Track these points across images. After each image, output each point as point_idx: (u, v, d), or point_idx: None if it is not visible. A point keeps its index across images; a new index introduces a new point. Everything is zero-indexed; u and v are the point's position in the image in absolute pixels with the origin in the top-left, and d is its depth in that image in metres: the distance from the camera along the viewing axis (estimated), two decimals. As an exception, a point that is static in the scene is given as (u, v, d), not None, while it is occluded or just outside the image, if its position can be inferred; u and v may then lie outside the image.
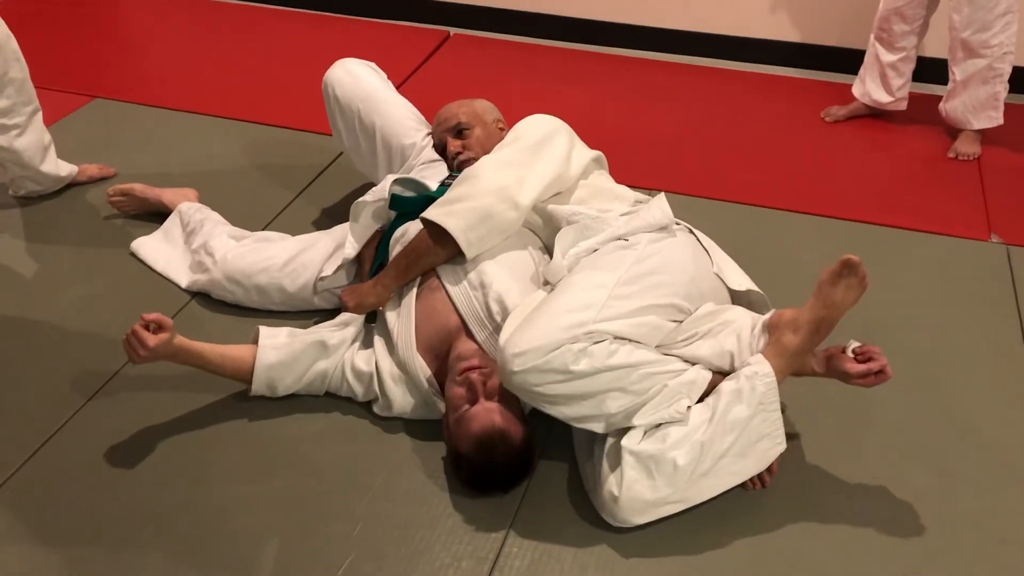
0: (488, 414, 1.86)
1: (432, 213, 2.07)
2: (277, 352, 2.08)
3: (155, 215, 2.73)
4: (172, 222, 2.64)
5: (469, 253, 2.06)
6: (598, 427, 1.84)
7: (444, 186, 2.25)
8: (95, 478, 1.97)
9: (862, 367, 1.82)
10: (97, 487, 1.95)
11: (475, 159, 2.26)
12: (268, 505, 1.92)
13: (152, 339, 1.88)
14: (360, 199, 2.27)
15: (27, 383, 2.20)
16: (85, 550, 1.82)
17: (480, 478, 1.90)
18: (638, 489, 1.78)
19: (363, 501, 1.93)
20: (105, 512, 1.90)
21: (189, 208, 2.62)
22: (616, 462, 1.81)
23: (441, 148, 2.43)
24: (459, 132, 2.38)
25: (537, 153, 2.15)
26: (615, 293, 1.83)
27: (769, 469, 1.96)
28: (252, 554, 1.82)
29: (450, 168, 2.39)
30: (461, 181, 2.12)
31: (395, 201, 2.24)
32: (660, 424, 1.81)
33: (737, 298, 2.06)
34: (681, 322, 1.91)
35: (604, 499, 1.83)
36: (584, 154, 2.25)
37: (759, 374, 1.81)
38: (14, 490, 1.94)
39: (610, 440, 1.85)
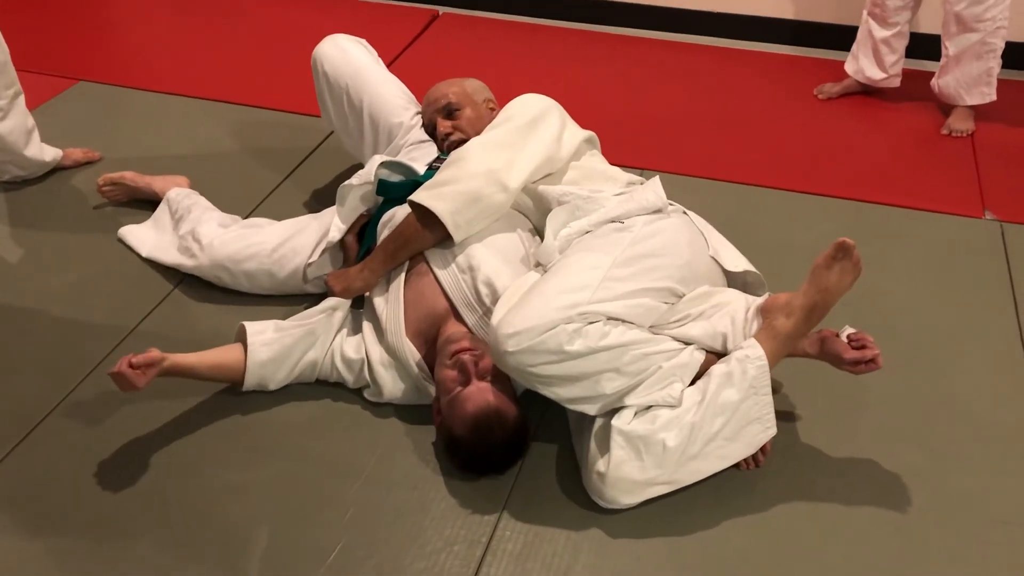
0: (482, 394, 1.85)
1: (420, 196, 2.04)
2: (268, 349, 2.04)
3: (146, 203, 2.70)
4: (161, 210, 2.61)
5: (457, 236, 2.03)
6: (591, 409, 1.82)
7: (432, 169, 2.22)
8: (83, 466, 1.95)
9: (856, 354, 1.82)
10: (85, 475, 1.93)
11: (465, 139, 2.23)
12: (258, 492, 1.90)
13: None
14: (346, 182, 2.24)
15: (12, 371, 2.18)
16: (73, 539, 1.81)
17: (476, 460, 1.88)
18: (626, 469, 1.78)
19: (354, 487, 1.91)
20: (93, 501, 1.88)
21: (178, 194, 2.59)
22: (605, 441, 1.80)
23: (431, 128, 2.40)
24: (449, 112, 2.34)
25: (527, 134, 2.11)
26: (610, 275, 1.81)
27: (763, 449, 1.95)
28: (243, 541, 1.80)
29: (440, 149, 2.35)
30: (449, 163, 2.09)
31: (382, 186, 2.21)
32: (651, 406, 1.80)
33: (733, 279, 2.04)
34: (675, 304, 1.89)
35: (592, 478, 1.82)
36: (576, 134, 2.22)
37: (750, 357, 1.79)
38: (0, 480, 1.92)
39: (600, 420, 1.84)
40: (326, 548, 1.79)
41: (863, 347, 1.83)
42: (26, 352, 2.24)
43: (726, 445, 1.82)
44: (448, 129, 2.32)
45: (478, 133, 2.22)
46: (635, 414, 1.80)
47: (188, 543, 1.80)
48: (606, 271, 1.81)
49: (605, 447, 1.80)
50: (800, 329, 1.83)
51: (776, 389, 2.11)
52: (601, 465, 1.80)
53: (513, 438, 1.88)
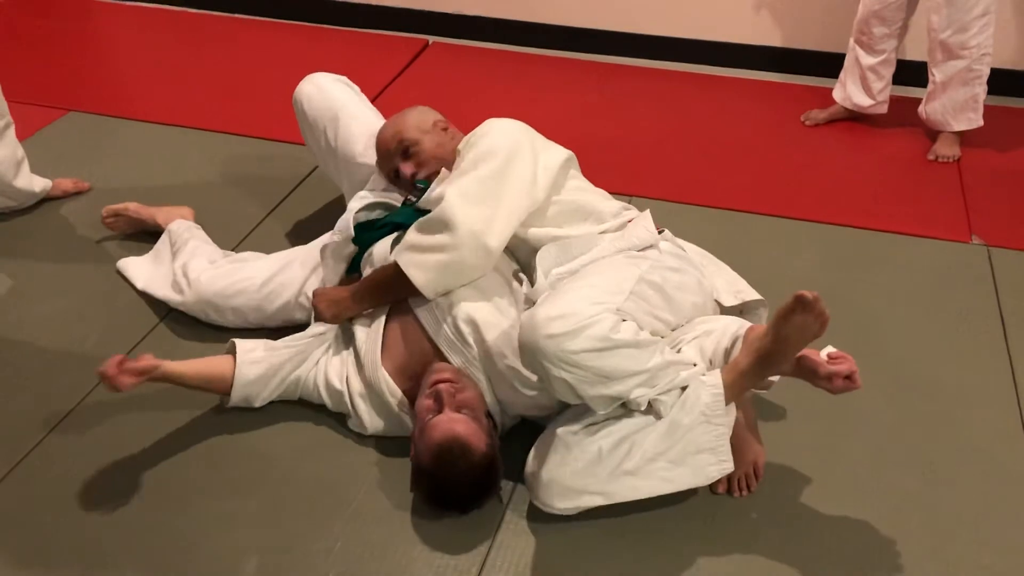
0: (450, 423, 1.81)
1: (403, 259, 1.99)
2: (256, 367, 2.06)
3: (147, 234, 2.69)
4: (163, 242, 2.60)
5: (432, 297, 2.01)
6: (603, 408, 1.78)
7: (407, 205, 2.19)
8: (69, 496, 1.93)
9: (830, 368, 1.73)
10: (71, 505, 1.91)
11: (435, 172, 2.19)
12: (246, 523, 1.89)
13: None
14: (328, 241, 2.24)
15: (0, 399, 2.16)
16: (60, 569, 1.79)
17: (437, 491, 1.84)
18: (558, 472, 1.78)
19: (342, 518, 1.90)
20: (79, 532, 1.86)
21: (179, 227, 2.59)
22: (546, 444, 1.82)
23: (394, 175, 2.30)
24: (405, 153, 2.24)
25: (503, 180, 2.01)
26: (636, 289, 1.82)
27: (756, 474, 1.95)
28: (231, 573, 1.79)
29: (408, 190, 2.27)
30: (432, 224, 1.99)
31: (358, 240, 2.20)
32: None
33: (730, 309, 2.05)
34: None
35: (528, 478, 1.85)
36: (551, 164, 2.11)
37: (706, 384, 1.77)
38: (-14, 512, 1.91)
39: (550, 425, 1.86)
40: (315, 580, 1.77)
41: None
42: (13, 381, 2.22)
43: (671, 468, 1.78)
44: (412, 169, 2.23)
45: (442, 158, 2.19)
46: (583, 425, 1.79)
47: (176, 574, 1.78)
48: (633, 284, 1.82)
49: (545, 450, 1.81)
50: (753, 371, 1.77)
51: (765, 416, 2.12)
52: (536, 466, 1.82)
53: (477, 474, 1.81)
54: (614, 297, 1.77)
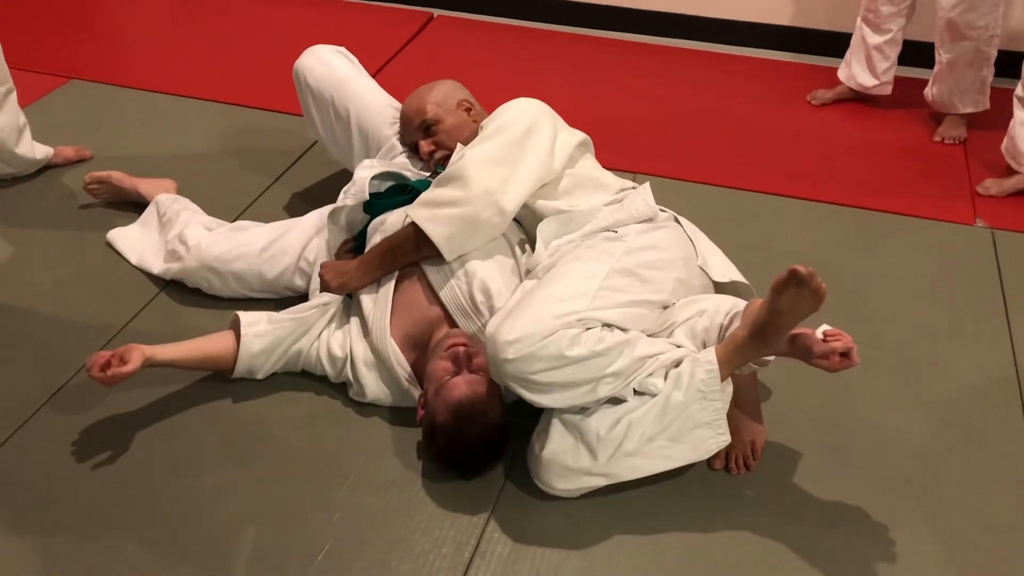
0: (471, 384, 1.85)
1: (418, 214, 2.01)
2: (260, 340, 2.05)
3: (133, 204, 2.68)
4: (149, 213, 2.59)
5: (450, 257, 2.02)
6: (588, 406, 1.81)
7: (425, 182, 2.20)
8: (68, 465, 1.93)
9: (825, 346, 1.70)
10: (70, 474, 1.92)
11: (450, 151, 2.22)
12: (245, 493, 1.89)
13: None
14: (339, 205, 2.24)
15: None
16: (58, 539, 1.79)
17: (452, 449, 1.86)
18: (560, 454, 1.80)
19: (342, 488, 1.90)
20: (79, 500, 1.87)
21: (166, 199, 2.58)
22: (547, 424, 1.83)
23: (414, 148, 2.37)
24: (427, 130, 2.30)
25: (521, 148, 2.07)
26: (605, 284, 1.81)
27: (753, 454, 1.96)
28: (229, 542, 1.79)
29: (429, 167, 2.32)
30: (448, 179, 2.04)
31: (370, 205, 2.20)
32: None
33: (721, 288, 2.04)
34: (663, 312, 1.90)
35: (530, 458, 1.86)
36: (568, 141, 2.18)
37: (700, 361, 1.77)
38: (-14, 478, 1.91)
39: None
40: (314, 549, 1.78)
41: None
42: (14, 349, 2.22)
43: (670, 446, 1.79)
44: (430, 147, 2.29)
45: (461, 140, 2.21)
46: (581, 407, 1.81)
47: (174, 543, 1.79)
48: (601, 280, 1.82)
49: (545, 431, 1.83)
50: (749, 345, 1.76)
51: (765, 396, 2.12)
52: (538, 447, 1.83)
53: (492, 436, 1.87)
54: (577, 302, 1.77)
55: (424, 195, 2.06)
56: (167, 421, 2.04)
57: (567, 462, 1.80)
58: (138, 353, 1.90)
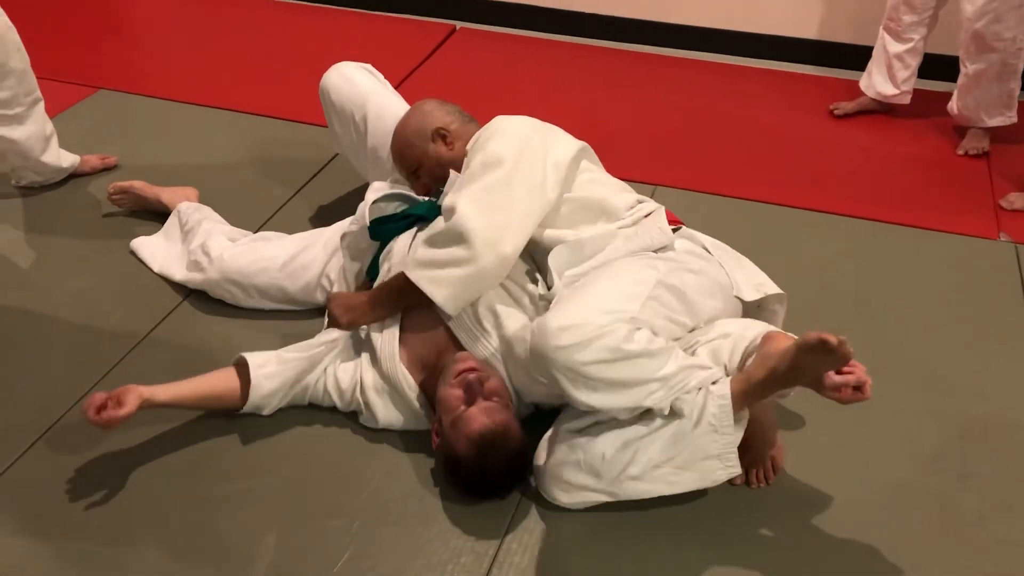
0: (488, 413, 1.82)
1: (418, 276, 1.96)
2: (271, 381, 2.02)
3: (155, 213, 2.71)
4: (171, 222, 2.62)
5: (454, 313, 1.99)
6: (625, 415, 1.77)
7: (428, 203, 2.19)
8: (92, 470, 1.96)
9: (838, 379, 1.64)
10: (92, 481, 1.94)
11: (439, 186, 2.19)
12: (265, 500, 1.90)
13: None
14: (346, 230, 2.24)
15: (24, 375, 2.19)
16: (80, 543, 1.81)
17: (479, 480, 1.86)
18: (562, 469, 1.80)
19: (361, 497, 1.91)
20: (102, 505, 1.89)
21: (188, 208, 2.60)
22: (554, 436, 1.84)
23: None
24: (414, 174, 2.27)
25: (512, 186, 1.97)
26: (653, 294, 1.80)
27: (774, 466, 1.94)
28: (248, 549, 1.80)
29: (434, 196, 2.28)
30: (446, 238, 1.96)
31: (374, 231, 2.19)
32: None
33: (749, 303, 2.03)
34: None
35: (534, 468, 1.87)
36: (561, 161, 2.07)
37: (714, 394, 1.74)
38: (9, 482, 1.93)
39: (558, 419, 1.88)
40: (332, 557, 1.79)
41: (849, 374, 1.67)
42: (39, 355, 2.25)
43: (677, 473, 1.77)
44: (424, 189, 2.26)
45: (447, 171, 2.16)
46: (589, 424, 1.79)
47: (194, 549, 1.80)
48: (650, 289, 1.80)
49: (551, 444, 1.83)
50: (763, 388, 1.72)
51: (793, 409, 2.11)
52: (543, 457, 1.85)
53: (516, 459, 1.86)
54: (630, 304, 1.75)
55: (424, 252, 1.99)
56: (188, 431, 2.05)
57: (568, 477, 1.80)
58: (135, 396, 1.87)
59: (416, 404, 2.01)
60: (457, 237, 1.94)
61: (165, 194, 2.70)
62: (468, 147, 2.13)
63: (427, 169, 2.24)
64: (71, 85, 3.44)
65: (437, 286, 1.95)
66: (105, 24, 4.03)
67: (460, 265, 1.94)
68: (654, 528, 1.85)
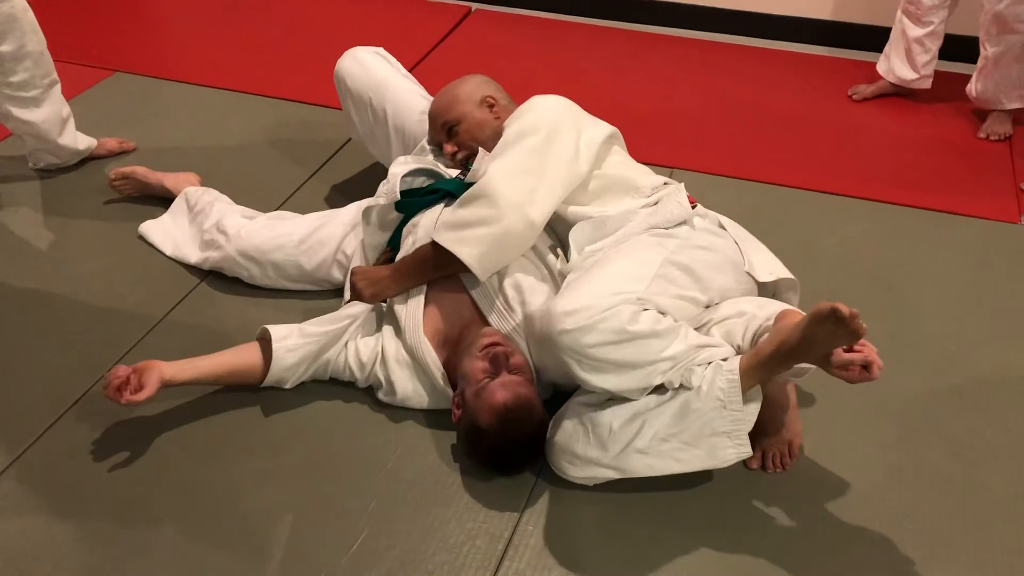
0: (513, 385, 1.84)
1: (445, 238, 1.97)
2: (293, 354, 2.03)
3: (159, 198, 2.71)
4: (178, 206, 2.62)
5: (483, 277, 1.99)
6: (637, 395, 1.78)
7: (457, 181, 2.19)
8: (109, 452, 1.97)
9: (845, 356, 1.62)
10: (113, 460, 1.95)
11: (473, 152, 2.20)
12: (282, 481, 1.91)
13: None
14: (370, 203, 2.23)
15: (43, 357, 2.20)
16: (99, 523, 1.82)
17: (500, 452, 1.86)
18: (571, 441, 1.81)
19: (377, 478, 1.92)
20: (120, 485, 1.90)
21: (196, 191, 2.60)
22: (564, 413, 1.86)
23: (439, 147, 2.35)
24: (449, 130, 2.28)
25: (545, 154, 2.01)
26: (660, 272, 1.81)
27: (791, 453, 1.94)
28: (266, 528, 1.81)
29: (457, 166, 2.30)
30: (473, 198, 1.99)
31: (401, 204, 2.19)
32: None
33: (764, 286, 2.02)
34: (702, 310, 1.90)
35: (547, 442, 1.89)
36: (594, 138, 2.11)
37: (723, 368, 1.73)
38: (29, 462, 1.95)
39: (572, 396, 1.89)
40: (349, 537, 1.79)
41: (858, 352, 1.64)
42: (58, 337, 2.26)
43: (685, 449, 1.75)
44: (452, 149, 2.27)
45: (484, 138, 2.19)
46: (602, 399, 1.80)
47: (211, 529, 1.81)
48: (657, 268, 1.82)
49: (562, 418, 1.85)
50: (774, 362, 1.70)
51: (809, 393, 2.10)
52: (552, 431, 1.86)
53: (536, 435, 1.88)
54: (635, 284, 1.76)
55: (450, 215, 2.01)
56: (205, 411, 2.06)
57: (576, 450, 1.80)
58: (156, 377, 1.89)
59: (437, 375, 2.01)
60: (483, 197, 1.97)
61: (168, 179, 2.70)
62: (505, 123, 2.14)
63: (466, 127, 2.26)
64: (88, 68, 3.45)
65: (465, 245, 1.96)
66: (122, 6, 4.03)
67: (486, 224, 1.95)
68: (670, 511, 1.85)
